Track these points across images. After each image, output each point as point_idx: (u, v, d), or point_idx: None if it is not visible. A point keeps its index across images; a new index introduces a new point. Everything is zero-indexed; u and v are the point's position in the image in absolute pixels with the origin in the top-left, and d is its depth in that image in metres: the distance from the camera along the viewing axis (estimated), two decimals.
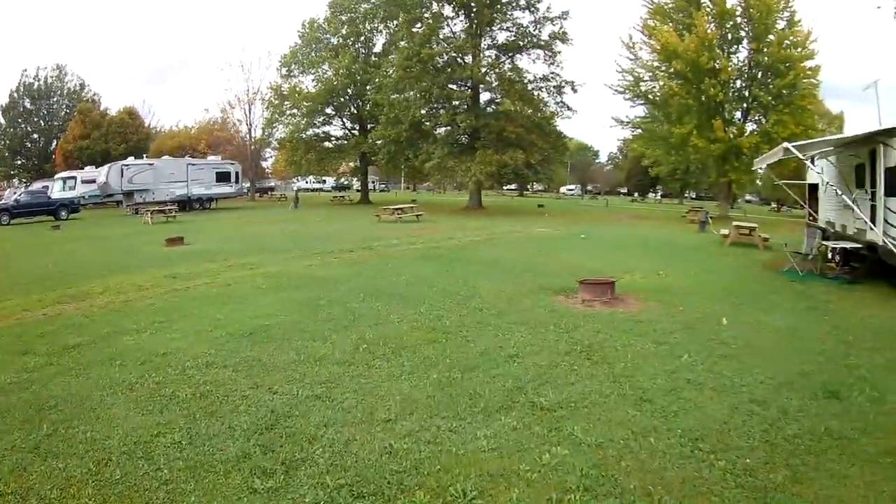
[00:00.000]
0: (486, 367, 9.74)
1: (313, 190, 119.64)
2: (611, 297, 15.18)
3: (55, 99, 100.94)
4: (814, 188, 29.27)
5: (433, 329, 12.26)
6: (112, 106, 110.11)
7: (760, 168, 27.05)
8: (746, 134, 54.89)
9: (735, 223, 33.36)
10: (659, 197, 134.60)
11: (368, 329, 12.19)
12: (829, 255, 22.75)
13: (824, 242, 22.99)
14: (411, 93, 62.40)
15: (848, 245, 20.80)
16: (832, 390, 8.87)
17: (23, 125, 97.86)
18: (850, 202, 19.26)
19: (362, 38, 77.39)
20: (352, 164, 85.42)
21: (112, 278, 18.93)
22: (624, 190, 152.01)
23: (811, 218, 29.05)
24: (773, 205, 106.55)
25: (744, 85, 56.51)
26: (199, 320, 13.14)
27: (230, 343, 11.23)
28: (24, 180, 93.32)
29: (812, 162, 23.34)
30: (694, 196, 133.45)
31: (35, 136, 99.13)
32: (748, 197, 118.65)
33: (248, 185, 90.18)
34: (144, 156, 72.89)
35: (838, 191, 20.53)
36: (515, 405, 8.19)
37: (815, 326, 13.23)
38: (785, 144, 19.53)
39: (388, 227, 40.91)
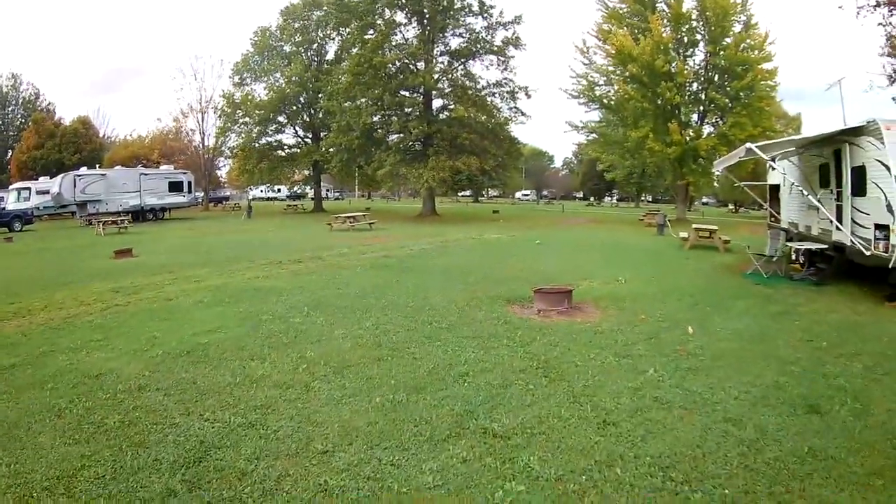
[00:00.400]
0: (433, 388, 8.97)
1: (268, 199, 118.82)
2: (568, 306, 14.46)
3: (10, 108, 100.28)
4: (775, 189, 29.04)
5: (378, 345, 11.48)
6: (67, 115, 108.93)
7: (719, 170, 26.64)
8: (703, 136, 54.95)
9: (694, 226, 33.05)
10: (615, 201, 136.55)
11: (310, 346, 11.42)
12: (794, 257, 22.59)
13: (789, 244, 22.76)
14: (363, 100, 61.87)
15: (813, 246, 20.45)
16: (811, 404, 8.27)
17: None
18: (816, 202, 18.97)
19: (315, 45, 77.53)
20: (305, 173, 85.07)
21: (57, 293, 18.19)
22: (580, 194, 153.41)
23: (773, 219, 28.72)
24: (731, 206, 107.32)
25: (700, 88, 56.69)
26: (137, 338, 12.37)
27: (166, 363, 10.53)
28: None
29: (772, 166, 22.98)
30: (650, 199, 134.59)
31: None
32: (705, 199, 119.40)
33: (201, 194, 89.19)
34: (97, 166, 72.03)
35: (804, 191, 20.14)
36: (465, 432, 7.43)
37: (785, 332, 12.61)
38: (748, 145, 19.44)
39: (340, 235, 40.13)
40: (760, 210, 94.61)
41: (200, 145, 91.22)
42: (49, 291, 18.43)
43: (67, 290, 18.86)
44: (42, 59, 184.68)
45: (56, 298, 17.14)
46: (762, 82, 52.14)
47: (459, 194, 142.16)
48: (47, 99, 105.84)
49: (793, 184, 22.30)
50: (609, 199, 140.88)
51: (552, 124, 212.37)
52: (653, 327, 12.91)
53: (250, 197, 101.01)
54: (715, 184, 70.01)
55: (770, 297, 16.80)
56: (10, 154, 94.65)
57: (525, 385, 9.05)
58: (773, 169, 23.82)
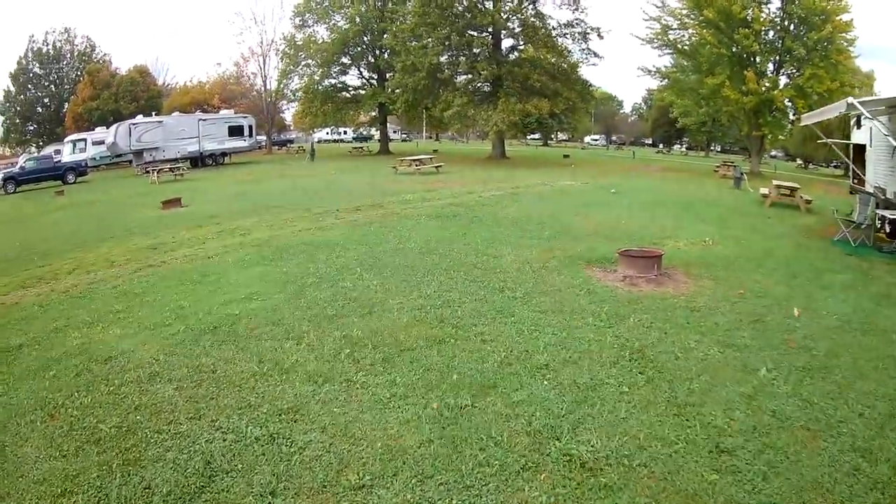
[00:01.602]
0: (506, 387, 7.35)
1: (335, 141, 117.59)
2: (657, 272, 12.74)
3: (65, 62, 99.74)
4: (858, 149, 27.36)
5: (441, 321, 9.86)
6: (126, 66, 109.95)
7: (809, 123, 24.89)
8: (780, 87, 52.85)
9: (776, 182, 31.14)
10: (684, 149, 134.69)
11: (358, 322, 9.89)
12: (879, 224, 20.55)
13: (878, 210, 20.72)
14: (429, 40, 60.04)
15: None
16: None
17: (33, 90, 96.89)
18: None
19: None
20: (371, 115, 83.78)
21: (90, 252, 17.45)
22: (649, 141, 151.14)
23: (856, 181, 27.32)
24: (800, 162, 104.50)
25: (776, 37, 54.12)
26: (161, 308, 11.22)
27: (186, 343, 9.27)
28: (39, 144, 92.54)
29: (859, 122, 21.31)
30: (719, 149, 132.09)
31: (46, 100, 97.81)
32: (773, 152, 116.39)
33: (263, 138, 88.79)
34: (153, 113, 70.79)
35: None
36: (545, 460, 5.82)
37: (894, 322, 10.64)
38: (849, 100, 17.50)
39: (404, 180, 38.42)
40: (829, 167, 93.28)
41: (262, 89, 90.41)
42: (83, 250, 17.77)
43: (104, 247, 18.20)
44: (99, 10, 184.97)
45: (87, 259, 16.43)
46: (839, 34, 49.53)
47: (528, 137, 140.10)
48: (103, 50, 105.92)
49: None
50: (678, 146, 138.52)
51: (621, 68, 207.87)
52: (753, 306, 11.17)
53: (314, 140, 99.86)
54: (782, 136, 67.59)
55: (868, 274, 14.73)
56: (66, 107, 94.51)
57: (618, 386, 7.40)
58: (859, 128, 22.06)
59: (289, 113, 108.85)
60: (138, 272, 14.39)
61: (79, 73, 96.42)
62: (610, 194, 29.79)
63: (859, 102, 17.48)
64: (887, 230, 20.03)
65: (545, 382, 7.46)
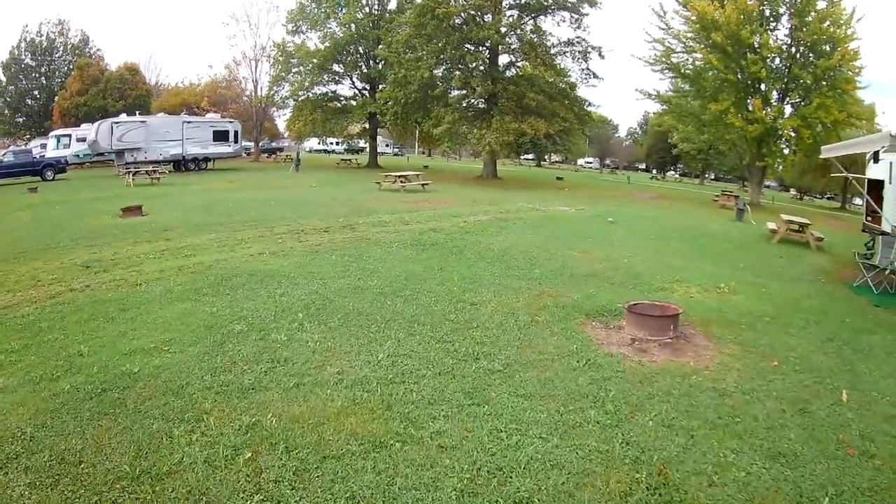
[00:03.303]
0: None
1: (326, 152, 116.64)
2: (674, 334, 10.31)
3: (57, 55, 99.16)
4: (874, 184, 25.73)
5: (387, 408, 7.38)
6: (120, 63, 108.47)
7: (830, 156, 23.19)
8: (786, 116, 51.56)
9: (785, 217, 29.66)
10: (678, 176, 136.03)
11: (277, 399, 7.51)
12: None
13: None
14: (423, 52, 58.24)
15: None
16: None
17: (24, 82, 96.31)
18: None
19: None
20: (361, 126, 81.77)
21: (24, 264, 15.84)
22: (642, 166, 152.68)
23: (870, 219, 26.13)
24: (794, 192, 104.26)
25: (783, 64, 53.13)
26: (56, 354, 9.16)
27: (64, 410, 7.26)
28: (27, 137, 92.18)
29: (876, 157, 19.83)
30: (713, 177, 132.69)
31: (36, 93, 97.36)
32: (767, 182, 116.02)
33: (250, 144, 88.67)
34: (137, 112, 69.69)
35: None
36: None
37: None
38: (892, 131, 15.78)
39: (387, 197, 36.09)
40: (824, 199, 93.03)
41: (253, 94, 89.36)
42: (17, 262, 16.12)
43: (39, 260, 16.40)
44: (98, 6, 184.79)
45: (14, 275, 14.68)
46: (850, 62, 48.63)
47: (522, 157, 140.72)
48: (96, 45, 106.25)
49: None
50: (673, 173, 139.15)
51: (616, 91, 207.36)
52: (793, 384, 9.02)
53: (303, 149, 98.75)
54: (779, 168, 66.39)
55: None
56: (55, 101, 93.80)
57: None
58: (876, 162, 20.53)
59: (281, 120, 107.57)
60: (56, 297, 12.29)
61: (70, 66, 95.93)
62: (607, 223, 27.73)
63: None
64: None
65: None
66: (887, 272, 18.16)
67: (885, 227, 22.54)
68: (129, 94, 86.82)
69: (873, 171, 25.35)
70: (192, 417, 7.01)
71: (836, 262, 21.95)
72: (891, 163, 21.95)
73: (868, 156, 20.86)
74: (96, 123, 58.53)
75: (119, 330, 10.11)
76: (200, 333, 9.88)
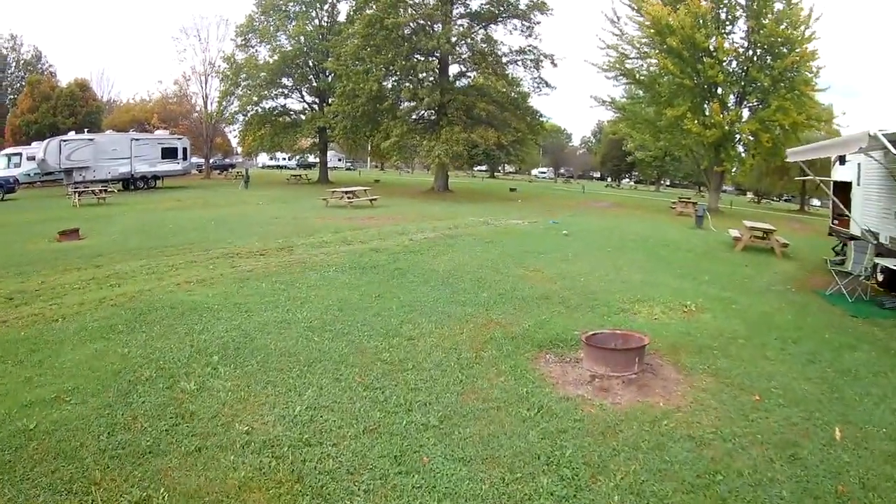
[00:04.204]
0: None
1: (277, 167, 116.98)
2: (639, 368, 9.10)
3: (10, 71, 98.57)
4: (840, 187, 25.54)
5: (297, 479, 6.06)
6: (71, 77, 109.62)
7: (797, 160, 22.48)
8: (744, 120, 51.66)
9: (748, 223, 29.78)
10: (633, 183, 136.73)
11: (175, 467, 6.28)
12: (869, 272, 18.79)
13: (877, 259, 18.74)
14: (371, 64, 57.85)
15: None
16: None
17: None
18: None
19: (326, 4, 74.05)
20: (310, 141, 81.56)
21: None
22: (597, 174, 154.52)
23: (836, 222, 26.13)
24: (751, 196, 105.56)
25: (740, 67, 53.23)
26: None
27: None
28: None
29: (842, 159, 19.38)
30: (668, 183, 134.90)
31: None
32: (723, 187, 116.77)
33: (200, 161, 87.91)
34: (86, 130, 68.22)
35: None
36: None
37: None
38: (871, 131, 14.64)
39: (332, 213, 35.36)
40: (783, 201, 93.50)
41: (203, 110, 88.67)
42: None
43: None
44: (48, 21, 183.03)
45: None
46: (808, 63, 48.83)
47: (475, 169, 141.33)
48: (48, 62, 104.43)
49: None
50: (627, 180, 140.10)
51: (570, 100, 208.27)
52: (779, 423, 8.00)
53: (255, 165, 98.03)
54: (737, 172, 66.28)
55: (888, 347, 12.32)
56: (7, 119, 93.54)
57: None
58: (843, 164, 21.37)
59: (233, 136, 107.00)
60: None
61: (22, 83, 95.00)
62: (562, 237, 26.81)
63: (884, 135, 14.65)
64: (878, 279, 18.89)
65: None
66: (861, 278, 17.76)
67: (854, 229, 22.31)
68: (79, 110, 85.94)
69: (840, 174, 25.26)
70: (80, 489, 5.86)
71: (803, 269, 21.84)
72: (859, 164, 21.68)
73: (833, 158, 20.09)
74: (45, 142, 57.95)
75: (25, 375, 8.90)
76: (106, 380, 8.63)
